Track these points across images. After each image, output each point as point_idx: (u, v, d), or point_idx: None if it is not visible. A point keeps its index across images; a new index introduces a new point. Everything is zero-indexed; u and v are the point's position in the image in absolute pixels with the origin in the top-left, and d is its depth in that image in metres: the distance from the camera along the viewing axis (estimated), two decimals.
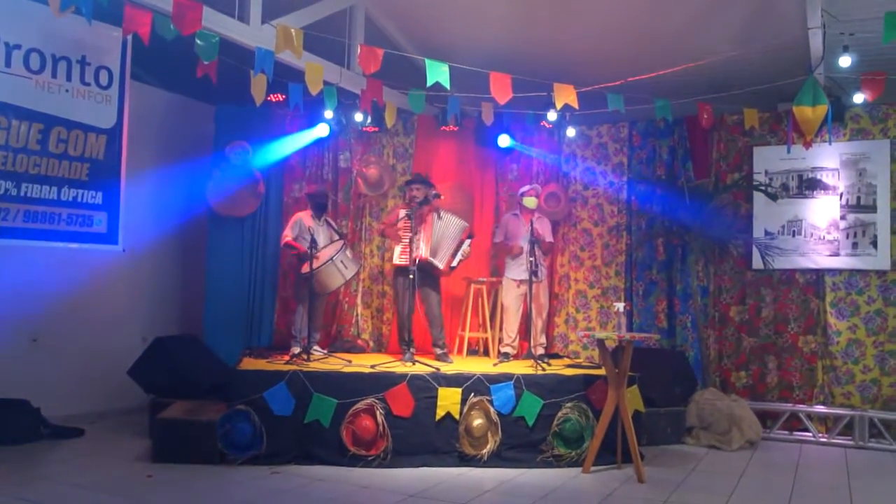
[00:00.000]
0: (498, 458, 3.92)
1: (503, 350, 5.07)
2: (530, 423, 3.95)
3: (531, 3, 4.61)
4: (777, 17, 4.40)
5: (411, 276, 4.49)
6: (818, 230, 5.06)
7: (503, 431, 3.93)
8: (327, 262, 4.63)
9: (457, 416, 3.91)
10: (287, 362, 4.25)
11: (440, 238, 4.71)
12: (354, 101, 5.00)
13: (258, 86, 4.08)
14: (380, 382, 3.92)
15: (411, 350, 4.46)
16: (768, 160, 5.21)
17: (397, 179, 5.69)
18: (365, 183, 5.64)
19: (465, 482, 3.62)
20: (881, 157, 4.94)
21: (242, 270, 5.40)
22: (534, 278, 4.70)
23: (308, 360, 4.32)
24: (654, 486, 3.61)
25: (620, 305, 3.99)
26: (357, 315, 5.66)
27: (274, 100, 4.89)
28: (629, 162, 5.66)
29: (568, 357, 5.38)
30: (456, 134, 5.66)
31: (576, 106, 4.25)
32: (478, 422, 3.91)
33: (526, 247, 4.83)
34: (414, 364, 4.26)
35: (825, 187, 5.07)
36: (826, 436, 4.81)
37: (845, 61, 4.30)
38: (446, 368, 4.20)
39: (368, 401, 3.86)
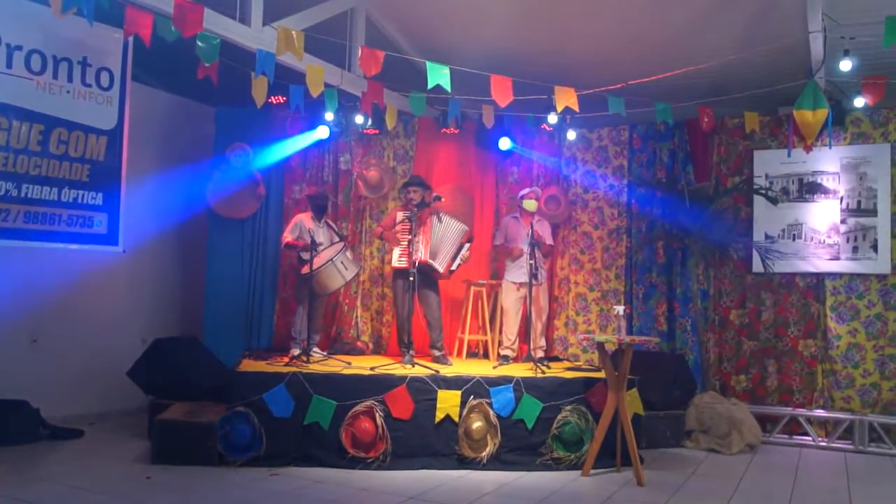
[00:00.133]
0: (497, 461, 3.92)
1: (503, 353, 5.07)
2: (530, 425, 3.96)
3: (532, 6, 4.61)
4: (778, 21, 4.41)
5: (411, 279, 4.50)
6: (818, 234, 5.07)
7: (503, 434, 3.93)
8: (327, 262, 4.64)
9: (456, 419, 3.91)
10: (286, 364, 4.25)
11: (440, 241, 4.72)
12: (355, 104, 5.01)
13: (259, 88, 4.09)
14: (379, 385, 3.92)
15: (411, 352, 4.46)
16: (769, 164, 5.22)
17: (397, 182, 5.69)
18: (365, 185, 5.65)
19: (464, 485, 3.62)
20: (882, 160, 4.95)
21: (242, 272, 5.40)
22: (534, 281, 4.70)
23: (307, 361, 4.32)
24: (654, 489, 3.61)
25: (620, 308, 3.98)
26: (357, 317, 5.66)
27: (274, 102, 4.90)
28: (629, 165, 5.67)
29: (567, 360, 5.38)
30: (456, 136, 5.67)
31: (576, 109, 4.25)
32: (477, 424, 3.92)
33: (526, 249, 4.84)
34: (413, 366, 4.26)
35: (826, 191, 5.08)
36: (826, 440, 4.81)
37: (846, 65, 4.31)
38: (446, 371, 4.20)
39: (368, 403, 3.86)
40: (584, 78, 4.56)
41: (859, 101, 4.59)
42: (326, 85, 4.24)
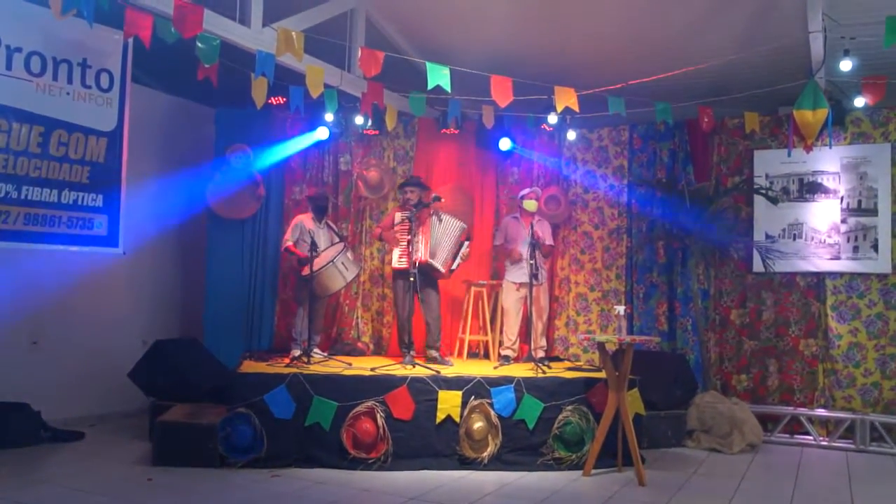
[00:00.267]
0: (498, 462, 3.92)
1: (503, 353, 5.08)
2: (531, 426, 3.95)
3: (532, 6, 4.62)
4: (778, 21, 4.41)
5: (411, 279, 4.50)
6: (819, 234, 5.07)
7: (504, 434, 3.93)
8: (328, 263, 4.64)
9: (457, 419, 3.91)
10: (287, 365, 4.25)
11: (439, 240, 4.72)
12: (355, 104, 5.01)
13: (259, 89, 4.09)
14: (380, 385, 3.92)
15: (411, 353, 4.47)
16: (769, 164, 5.22)
17: (397, 182, 5.70)
18: (365, 186, 5.65)
19: (465, 485, 3.62)
20: (882, 160, 4.95)
21: (242, 273, 5.40)
22: (534, 281, 4.70)
23: (308, 362, 4.32)
24: (655, 489, 3.61)
25: (621, 308, 3.97)
26: (357, 318, 5.67)
27: (274, 103, 4.89)
28: (630, 165, 5.67)
29: (568, 360, 5.38)
30: (456, 137, 5.67)
31: (576, 109, 4.25)
32: (478, 425, 3.92)
33: (526, 250, 4.83)
34: (414, 367, 4.26)
35: (826, 191, 5.08)
36: (827, 439, 4.81)
37: (846, 65, 4.31)
38: (446, 371, 4.20)
39: (369, 404, 3.86)
40: (584, 78, 4.55)
41: (859, 101, 4.60)
42: (326, 86, 4.24)
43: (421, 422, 3.89)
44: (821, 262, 5.04)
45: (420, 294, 4.66)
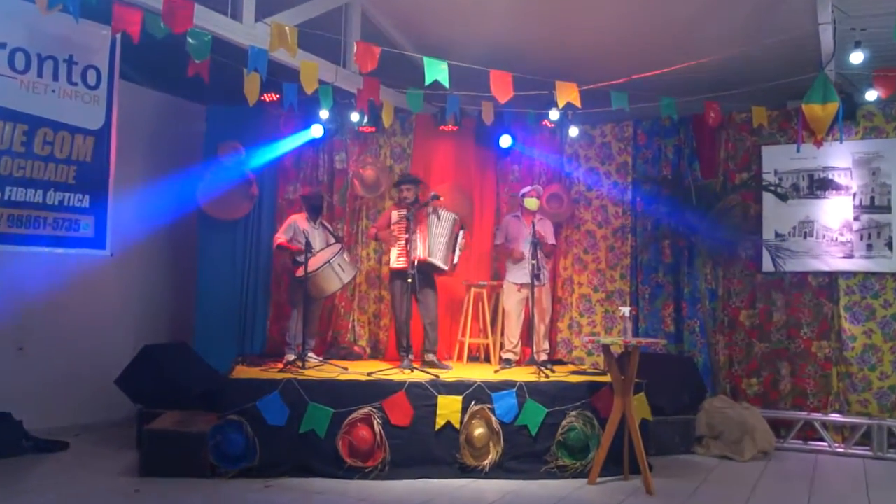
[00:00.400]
0: (500, 469, 3.91)
1: (505, 356, 5.07)
2: (533, 432, 3.94)
3: None
4: (786, 13, 4.40)
5: (409, 280, 4.49)
6: (831, 231, 5.05)
7: (505, 441, 3.92)
8: (324, 265, 4.63)
9: (457, 426, 3.90)
10: (281, 370, 4.23)
11: (437, 237, 4.72)
12: (350, 101, 4.99)
13: (251, 85, 4.08)
14: (377, 391, 3.91)
15: (410, 357, 4.45)
16: (778, 159, 5.21)
17: (394, 181, 5.69)
18: (361, 184, 5.64)
19: (466, 494, 3.60)
20: (895, 155, 4.93)
21: (235, 275, 5.41)
22: (536, 282, 4.71)
23: (303, 367, 4.31)
24: (663, 497, 3.58)
25: (626, 310, 3.97)
26: (353, 321, 5.66)
27: (267, 99, 4.89)
28: (634, 162, 5.67)
29: (572, 363, 5.36)
30: (455, 134, 5.66)
31: (578, 104, 4.24)
32: (479, 431, 3.90)
33: (528, 250, 4.83)
34: (412, 371, 4.25)
35: (837, 187, 5.07)
36: (843, 446, 4.78)
37: (857, 57, 4.30)
38: (446, 376, 4.19)
39: (365, 410, 3.84)
40: (587, 72, 4.55)
41: (871, 95, 4.59)
42: (321, 82, 4.23)
43: (419, 428, 3.88)
44: (833, 260, 5.02)
45: (417, 295, 4.64)
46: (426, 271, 4.71)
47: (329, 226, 5.27)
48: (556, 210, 5.61)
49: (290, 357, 4.68)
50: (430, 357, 4.75)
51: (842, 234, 5.02)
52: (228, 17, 4.05)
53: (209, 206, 5.30)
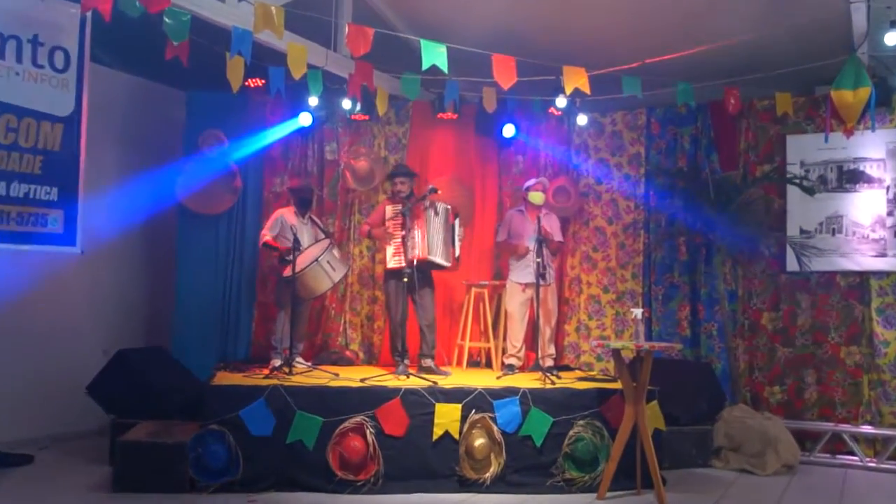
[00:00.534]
0: (502, 483, 3.90)
1: (507, 361, 5.07)
2: (538, 443, 3.94)
3: None
4: None
5: (405, 279, 4.48)
6: (861, 228, 5.03)
7: (508, 453, 3.92)
8: (312, 263, 4.62)
9: (456, 436, 3.89)
10: (266, 376, 4.24)
11: (436, 232, 4.72)
12: (342, 87, 4.99)
13: (234, 69, 4.06)
14: (370, 398, 3.91)
15: (405, 362, 4.46)
16: (804, 150, 5.19)
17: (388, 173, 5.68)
18: (353, 177, 5.63)
19: None
20: None
21: (217, 274, 5.38)
22: (541, 281, 4.71)
23: (290, 373, 4.31)
24: None
25: (638, 312, 3.96)
26: (345, 323, 5.66)
27: (252, 85, 4.87)
28: (647, 153, 5.66)
29: (580, 369, 5.37)
30: (454, 122, 5.65)
31: (587, 91, 4.24)
32: (479, 442, 3.89)
33: (532, 247, 4.84)
34: (408, 377, 4.26)
35: (869, 180, 5.04)
36: (874, 460, 4.75)
37: (892, 38, 4.26)
38: (444, 382, 4.19)
39: (357, 419, 3.84)
40: (596, 56, 4.53)
41: None
42: (310, 66, 4.22)
43: (416, 439, 3.87)
44: (864, 259, 4.99)
45: (414, 296, 4.64)
46: (425, 270, 4.71)
47: (318, 221, 5.28)
48: (562, 204, 5.60)
49: (277, 362, 4.68)
50: (428, 362, 4.75)
51: (873, 231, 5.00)
52: None
53: (189, 200, 5.29)
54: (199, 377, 4.73)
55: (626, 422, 3.75)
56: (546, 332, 5.03)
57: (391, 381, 4.16)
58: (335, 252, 4.84)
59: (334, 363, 5.14)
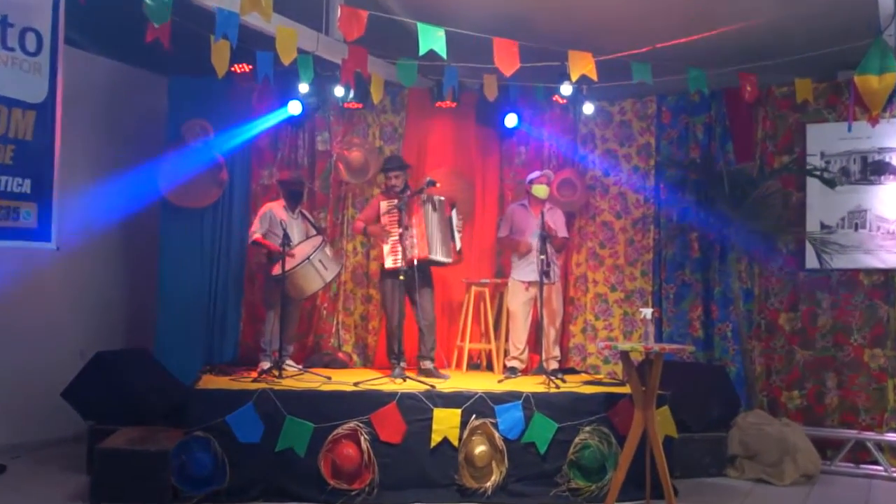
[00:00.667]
0: (504, 492, 3.91)
1: (509, 364, 5.08)
2: (542, 450, 3.95)
3: None
4: None
5: (401, 277, 4.48)
6: (887, 223, 5.02)
7: (510, 460, 3.92)
8: (304, 261, 4.62)
9: (455, 443, 3.90)
10: (255, 380, 4.23)
11: (435, 228, 4.72)
12: (334, 73, 4.99)
13: (220, 54, 4.07)
14: (365, 403, 3.91)
15: (402, 364, 4.46)
16: (825, 140, 5.18)
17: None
18: (347, 169, 5.63)
19: None
20: None
21: (202, 271, 5.37)
22: (545, 280, 4.70)
23: (280, 376, 4.31)
24: None
25: (648, 312, 3.95)
26: (338, 324, 5.66)
27: (238, 71, 4.85)
28: (657, 143, 5.67)
29: (586, 372, 5.38)
30: (454, 111, 5.64)
31: (594, 77, 4.24)
32: (480, 449, 3.89)
33: (536, 243, 4.83)
34: (405, 381, 4.26)
35: (895, 171, 5.02)
36: None
37: None
38: (443, 386, 4.19)
39: (351, 425, 3.84)
40: (604, 40, 4.54)
41: None
42: (300, 51, 4.21)
43: (413, 446, 3.88)
44: (889, 256, 4.98)
45: (413, 295, 4.64)
46: (425, 268, 4.72)
47: (310, 215, 5.28)
48: (568, 198, 5.61)
49: (266, 365, 4.68)
50: (427, 364, 4.76)
51: None
52: None
53: (173, 193, 5.29)
54: (182, 380, 4.73)
55: (634, 428, 3.73)
56: (550, 333, 5.03)
57: (387, 384, 4.16)
58: (327, 250, 4.84)
59: (326, 366, 5.15)
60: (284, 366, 4.53)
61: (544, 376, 4.41)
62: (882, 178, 5.06)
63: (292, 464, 3.79)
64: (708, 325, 5.38)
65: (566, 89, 5.16)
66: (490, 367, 5.43)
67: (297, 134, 5.75)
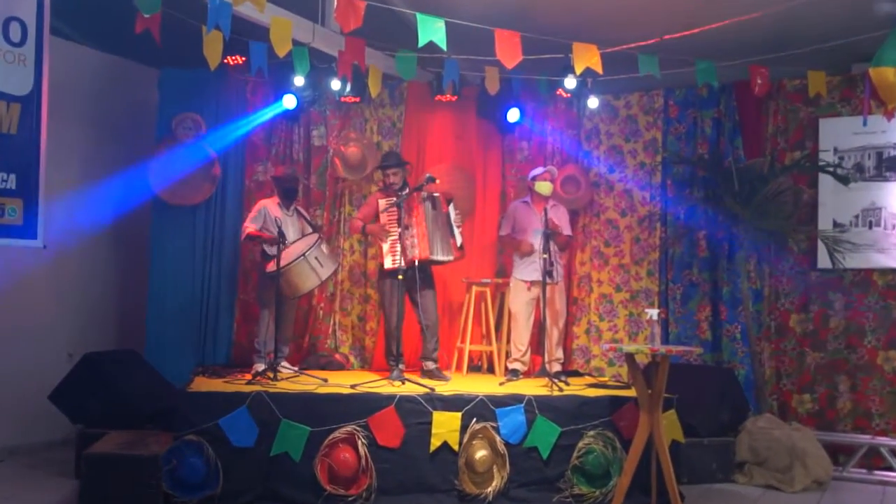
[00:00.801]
0: (505, 498, 3.91)
1: (511, 366, 5.09)
2: (545, 455, 3.95)
3: None
4: None
5: (400, 277, 4.49)
6: None
7: (512, 465, 3.93)
8: (299, 258, 4.62)
9: (455, 447, 3.90)
10: (249, 382, 4.24)
11: (435, 227, 4.73)
12: (330, 65, 5.00)
13: (212, 45, 4.05)
14: (362, 406, 3.91)
15: (400, 366, 4.46)
16: (838, 135, 5.19)
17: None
18: (344, 164, 5.63)
19: None
20: None
21: (194, 270, 5.38)
22: (548, 279, 4.71)
23: (274, 379, 4.31)
24: None
25: (654, 312, 3.97)
26: (334, 324, 5.67)
27: (231, 63, 4.88)
28: (664, 138, 5.68)
29: (590, 375, 5.39)
30: (454, 105, 5.66)
31: (599, 70, 4.24)
32: (481, 454, 3.90)
33: (539, 242, 4.84)
34: (404, 383, 4.26)
35: None
36: None
37: None
38: (443, 389, 4.19)
39: (348, 428, 3.84)
40: (609, 32, 4.53)
41: None
42: (295, 42, 4.22)
43: (411, 450, 3.88)
44: None
45: (414, 296, 4.65)
46: (426, 268, 4.73)
47: (305, 213, 5.29)
48: (572, 195, 5.62)
49: (260, 367, 4.69)
50: (431, 365, 4.77)
51: None
52: None
53: (164, 190, 5.30)
54: (174, 383, 4.72)
55: (640, 432, 3.74)
56: (553, 334, 5.05)
57: (385, 387, 4.17)
58: (324, 247, 4.84)
59: (323, 368, 5.17)
60: (279, 368, 4.56)
61: (547, 379, 4.42)
62: None
63: (287, 469, 3.79)
64: (716, 327, 5.39)
65: (570, 83, 5.15)
66: (491, 370, 5.44)
67: (292, 128, 5.76)
